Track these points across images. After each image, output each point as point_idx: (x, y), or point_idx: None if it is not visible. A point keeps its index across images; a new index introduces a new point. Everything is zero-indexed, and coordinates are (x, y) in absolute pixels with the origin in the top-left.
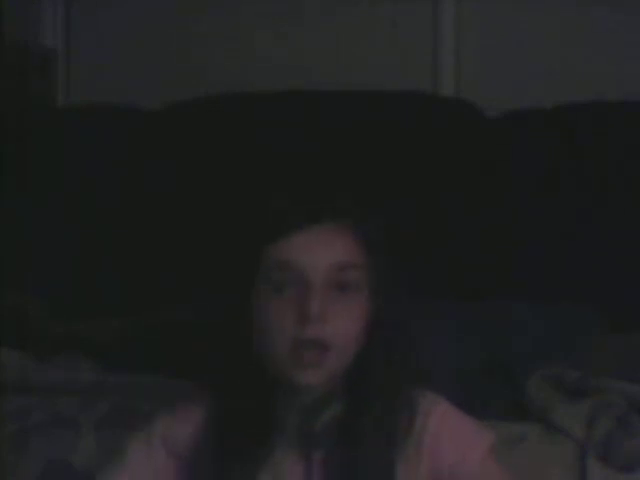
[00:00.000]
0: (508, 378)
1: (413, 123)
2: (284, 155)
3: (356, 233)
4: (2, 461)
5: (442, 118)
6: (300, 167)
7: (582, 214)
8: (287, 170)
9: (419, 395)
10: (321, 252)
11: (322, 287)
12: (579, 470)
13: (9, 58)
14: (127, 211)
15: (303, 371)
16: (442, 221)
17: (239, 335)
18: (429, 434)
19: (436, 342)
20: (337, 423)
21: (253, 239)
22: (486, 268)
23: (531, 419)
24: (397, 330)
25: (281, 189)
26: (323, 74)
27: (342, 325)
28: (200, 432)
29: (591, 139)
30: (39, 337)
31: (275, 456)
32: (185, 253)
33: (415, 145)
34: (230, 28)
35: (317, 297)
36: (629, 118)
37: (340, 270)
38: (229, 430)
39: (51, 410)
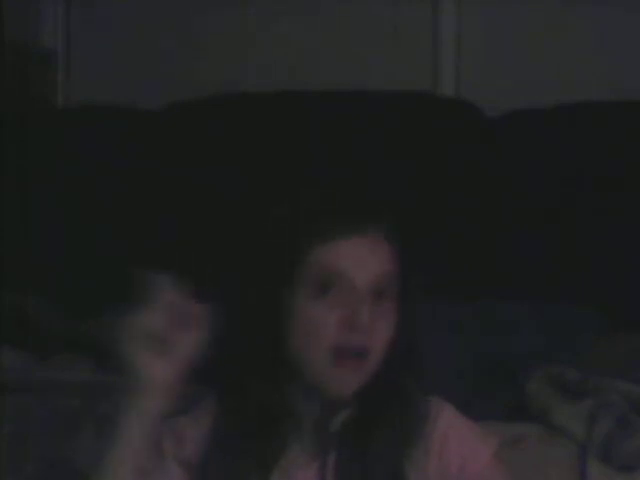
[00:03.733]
0: (508, 378)
1: (413, 123)
2: (284, 155)
3: (392, 243)
4: (2, 461)
5: (442, 118)
6: (301, 166)
7: (582, 214)
8: (288, 169)
9: (427, 399)
10: (369, 261)
11: (367, 294)
12: (579, 470)
13: (9, 58)
14: (127, 211)
15: (342, 378)
16: (442, 221)
17: (271, 333)
18: (437, 437)
19: (436, 342)
20: (352, 425)
21: (299, 239)
22: (486, 268)
23: (531, 419)
24: (414, 336)
25: (322, 192)
26: (323, 74)
27: (382, 334)
28: (209, 435)
29: (591, 139)
30: (39, 337)
31: (287, 457)
32: (185, 253)
33: (415, 145)
34: (230, 28)
35: (366, 306)
36: (629, 118)
37: (382, 279)
38: (242, 430)
39: (51, 410)
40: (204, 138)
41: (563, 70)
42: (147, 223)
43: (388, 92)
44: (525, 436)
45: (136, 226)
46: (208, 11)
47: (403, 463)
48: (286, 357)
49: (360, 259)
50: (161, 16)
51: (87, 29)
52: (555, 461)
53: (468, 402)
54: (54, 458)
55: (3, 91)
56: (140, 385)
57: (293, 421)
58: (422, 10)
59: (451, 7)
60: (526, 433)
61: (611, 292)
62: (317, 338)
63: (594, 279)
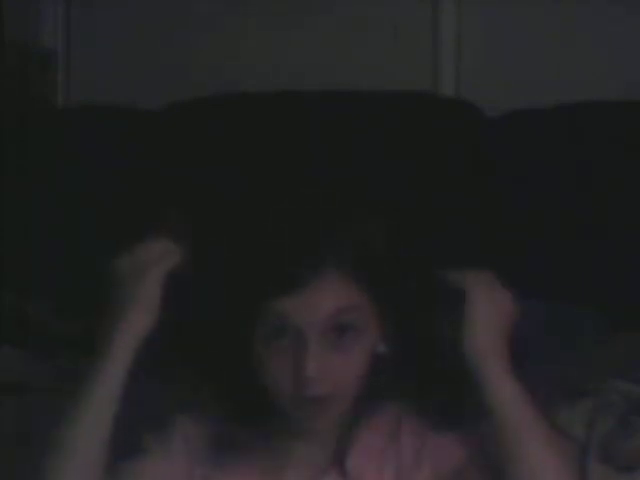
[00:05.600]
0: None
1: (413, 123)
2: (284, 155)
3: (355, 277)
4: (2, 461)
5: (442, 118)
6: (301, 166)
7: (582, 214)
8: (288, 169)
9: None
10: (318, 304)
11: (319, 341)
12: (579, 470)
13: (9, 58)
14: (127, 211)
15: (306, 419)
16: (441, 221)
17: (243, 377)
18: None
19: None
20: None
21: (252, 294)
22: (486, 268)
23: None
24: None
25: (278, 235)
26: (323, 74)
27: (344, 373)
28: (216, 431)
29: (591, 139)
30: (39, 337)
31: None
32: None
33: (415, 145)
34: (230, 28)
35: (312, 355)
36: (629, 118)
37: (337, 315)
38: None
39: (51, 410)
40: (204, 138)
41: (563, 70)
42: (147, 223)
43: (388, 92)
44: None
45: (136, 226)
46: (208, 11)
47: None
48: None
49: (308, 304)
50: (161, 16)
51: (87, 29)
52: None
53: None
54: None
55: (3, 91)
56: (129, 301)
57: (286, 451)
58: (422, 10)
59: (451, 7)
60: None
61: (611, 292)
62: (277, 390)
63: (594, 279)
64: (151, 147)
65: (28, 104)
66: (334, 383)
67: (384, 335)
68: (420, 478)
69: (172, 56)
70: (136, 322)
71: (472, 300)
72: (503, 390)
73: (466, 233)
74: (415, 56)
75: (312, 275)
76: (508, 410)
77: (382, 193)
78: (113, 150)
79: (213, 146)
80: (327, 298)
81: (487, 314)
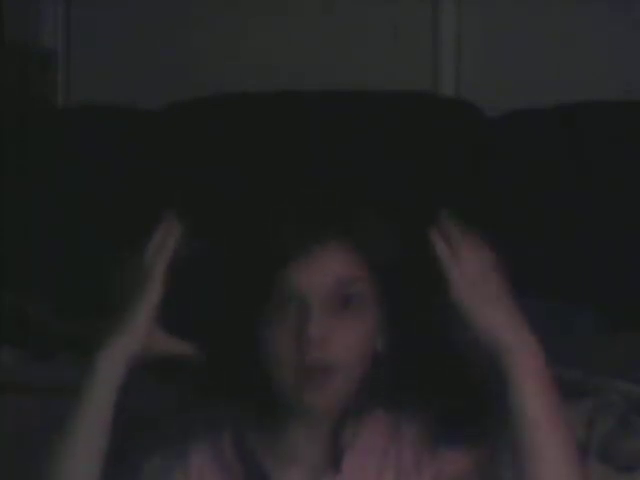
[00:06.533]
0: None
1: (413, 123)
2: (284, 155)
3: (358, 248)
4: (2, 461)
5: (442, 118)
6: (301, 166)
7: (582, 214)
8: (288, 169)
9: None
10: (320, 272)
11: (322, 308)
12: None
13: (9, 58)
14: (127, 211)
15: (309, 394)
16: None
17: (250, 368)
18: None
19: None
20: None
21: (256, 266)
22: None
23: None
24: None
25: (281, 209)
26: (323, 74)
27: (347, 344)
28: (231, 460)
29: (591, 139)
30: (39, 337)
31: (292, 476)
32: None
33: (415, 145)
34: (230, 28)
35: (315, 320)
36: (629, 118)
37: (341, 285)
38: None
39: (51, 410)
40: (204, 138)
41: (563, 70)
42: (147, 223)
43: (388, 92)
44: None
45: (136, 226)
46: (208, 11)
47: None
48: (269, 386)
49: (310, 272)
50: (161, 16)
51: (87, 29)
52: None
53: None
54: None
55: (3, 91)
56: (124, 324)
57: (294, 449)
58: (422, 10)
59: (451, 7)
60: None
61: (611, 292)
62: (280, 362)
63: (594, 279)
64: (151, 147)
65: (28, 104)
66: (335, 353)
67: (384, 323)
68: None
69: (172, 56)
70: (125, 344)
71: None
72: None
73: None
74: (415, 56)
75: (316, 245)
76: (526, 395)
77: (382, 193)
78: (113, 150)
79: (213, 146)
80: (330, 267)
81: (477, 272)
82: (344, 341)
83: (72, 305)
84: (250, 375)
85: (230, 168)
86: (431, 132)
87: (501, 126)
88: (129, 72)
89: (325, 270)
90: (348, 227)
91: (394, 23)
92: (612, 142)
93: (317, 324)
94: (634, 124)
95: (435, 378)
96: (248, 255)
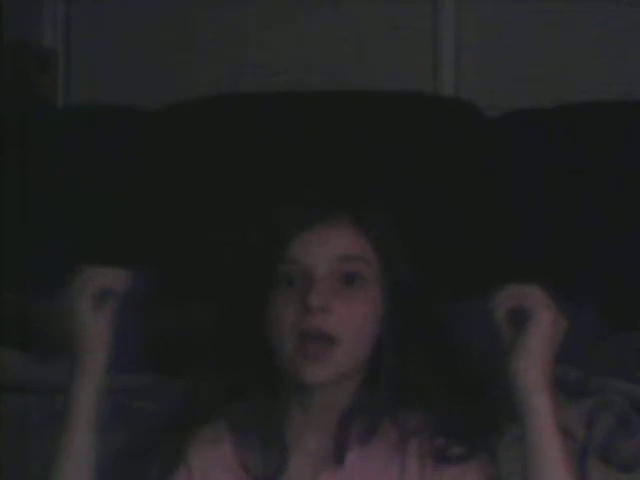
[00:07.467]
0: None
1: (413, 123)
2: (284, 155)
3: (363, 228)
4: (2, 461)
5: (442, 118)
6: (301, 166)
7: (582, 213)
8: (288, 169)
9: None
10: (324, 245)
11: (325, 278)
12: (579, 470)
13: (9, 58)
14: (127, 211)
15: (309, 366)
16: (441, 221)
17: (256, 340)
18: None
19: None
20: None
21: (264, 245)
22: (485, 267)
23: None
24: (414, 330)
25: (287, 189)
26: (323, 74)
27: (348, 317)
28: (230, 458)
29: (591, 139)
30: (39, 337)
31: (296, 465)
32: (186, 252)
33: (415, 145)
34: (230, 28)
35: (317, 290)
36: (629, 118)
37: (345, 261)
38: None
39: (51, 410)
40: (204, 138)
41: (563, 70)
42: (147, 223)
43: (388, 92)
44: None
45: (136, 226)
46: (208, 11)
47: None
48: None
49: (315, 245)
50: (161, 16)
51: (87, 29)
52: None
53: None
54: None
55: (3, 91)
56: (85, 341)
57: (295, 427)
58: (422, 10)
59: (451, 7)
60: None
61: (611, 292)
62: (283, 328)
63: (594, 279)
64: (151, 147)
65: (28, 104)
66: (335, 325)
67: (387, 308)
68: None
69: (172, 56)
70: (90, 362)
71: (537, 322)
72: (545, 422)
73: (466, 232)
74: (415, 56)
75: (322, 222)
76: (546, 440)
77: (382, 193)
78: (113, 150)
79: (213, 146)
80: (335, 243)
81: (548, 339)
82: (345, 316)
83: None
84: (254, 346)
85: (230, 168)
86: (431, 132)
87: (501, 126)
88: (129, 72)
89: (330, 246)
90: (355, 209)
91: (394, 22)
92: (612, 142)
93: (318, 294)
94: (634, 124)
95: (435, 376)
96: (257, 232)
